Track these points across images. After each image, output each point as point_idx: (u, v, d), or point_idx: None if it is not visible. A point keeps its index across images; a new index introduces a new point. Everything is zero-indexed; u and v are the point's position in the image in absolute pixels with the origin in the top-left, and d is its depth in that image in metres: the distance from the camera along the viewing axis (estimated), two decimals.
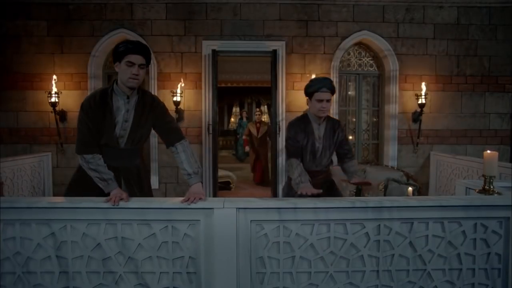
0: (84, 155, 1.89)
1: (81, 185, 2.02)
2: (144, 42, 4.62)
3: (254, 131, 6.55)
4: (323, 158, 2.41)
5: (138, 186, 2.13)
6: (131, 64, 1.84)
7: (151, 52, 1.97)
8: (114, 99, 1.94)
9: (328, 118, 2.43)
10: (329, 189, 2.49)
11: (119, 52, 1.86)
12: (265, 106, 11.91)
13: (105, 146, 1.95)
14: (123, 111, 1.94)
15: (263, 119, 7.16)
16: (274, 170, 4.71)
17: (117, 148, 1.98)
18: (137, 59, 1.85)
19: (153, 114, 2.01)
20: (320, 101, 2.24)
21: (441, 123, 4.89)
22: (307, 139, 2.36)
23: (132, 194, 1.96)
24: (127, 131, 1.97)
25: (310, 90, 2.27)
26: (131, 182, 2.08)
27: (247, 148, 6.95)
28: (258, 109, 7.05)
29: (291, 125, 2.39)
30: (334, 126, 2.43)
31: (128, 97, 1.95)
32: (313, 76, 4.65)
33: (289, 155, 2.35)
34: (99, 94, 1.93)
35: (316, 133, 2.37)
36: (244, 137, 7.05)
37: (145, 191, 2.19)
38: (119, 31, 4.65)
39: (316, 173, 2.42)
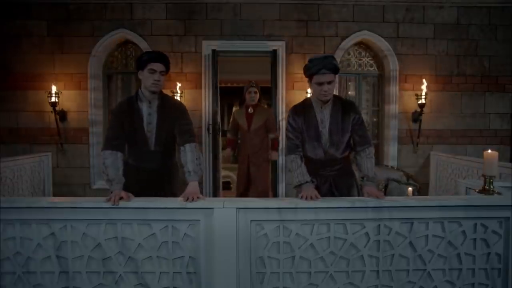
0: (106, 150, 2.04)
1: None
2: (144, 42, 4.64)
3: (243, 121, 3.79)
4: (332, 145, 2.17)
5: (168, 188, 2.31)
6: (153, 71, 2.08)
7: (169, 61, 2.21)
8: (140, 104, 2.17)
9: (337, 100, 2.19)
10: (348, 194, 2.21)
11: (142, 61, 2.09)
12: (265, 106, 11.77)
13: (139, 150, 2.19)
14: (146, 114, 2.17)
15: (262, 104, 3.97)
16: (274, 169, 4.70)
17: (148, 150, 2.20)
18: (158, 66, 2.09)
19: (173, 115, 2.20)
20: (321, 84, 2.03)
21: (441, 123, 4.89)
22: (308, 123, 2.17)
23: (158, 195, 2.11)
24: (153, 133, 2.18)
25: (309, 73, 2.06)
26: (161, 184, 2.26)
27: (227, 153, 3.98)
28: (254, 83, 3.85)
29: (291, 110, 2.23)
30: (344, 108, 2.16)
31: (150, 102, 2.17)
32: None
33: (288, 149, 2.19)
34: (126, 100, 2.21)
35: (318, 117, 2.16)
36: (228, 135, 4.01)
37: (173, 191, 2.35)
38: (119, 31, 4.65)
39: (326, 163, 2.21)
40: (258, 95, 3.81)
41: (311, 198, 1.87)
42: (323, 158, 2.21)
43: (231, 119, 4.05)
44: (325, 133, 2.16)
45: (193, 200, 1.78)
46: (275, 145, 3.82)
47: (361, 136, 2.16)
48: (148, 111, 2.17)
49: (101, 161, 2.04)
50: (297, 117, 2.18)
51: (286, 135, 2.22)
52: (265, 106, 4.23)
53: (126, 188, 1.93)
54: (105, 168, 2.00)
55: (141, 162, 2.22)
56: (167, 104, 2.21)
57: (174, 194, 2.33)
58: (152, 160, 2.23)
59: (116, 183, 1.92)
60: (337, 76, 2.12)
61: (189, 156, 2.06)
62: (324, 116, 2.16)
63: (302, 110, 2.20)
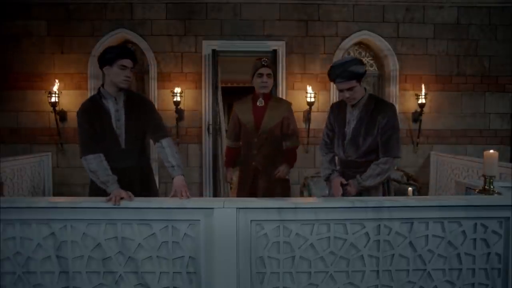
0: (86, 156, 1.97)
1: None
2: (144, 42, 4.65)
3: (248, 119, 2.59)
4: (351, 146, 2.12)
5: (146, 186, 2.24)
6: (124, 67, 2.01)
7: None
8: (105, 101, 2.08)
9: (372, 100, 2.11)
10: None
11: (111, 57, 2.00)
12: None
13: (110, 149, 2.06)
14: (114, 111, 2.08)
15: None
16: None
17: (120, 149, 2.09)
18: (128, 62, 2.03)
19: (142, 111, 2.15)
20: (340, 90, 2.05)
21: (441, 123, 4.89)
22: (338, 121, 2.19)
23: (138, 195, 1.97)
24: (122, 130, 2.09)
25: (329, 79, 2.09)
26: (138, 183, 2.16)
27: (229, 175, 2.81)
28: (266, 61, 2.53)
29: (330, 107, 2.34)
30: (375, 110, 2.06)
31: (116, 98, 2.09)
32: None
33: (320, 144, 2.32)
34: (88, 100, 2.12)
35: (347, 117, 2.15)
36: (227, 143, 2.82)
37: (154, 190, 2.31)
38: (119, 31, 4.65)
39: (348, 163, 2.18)
40: (272, 80, 2.56)
41: (337, 188, 2.06)
42: (344, 158, 2.20)
43: (231, 116, 2.76)
44: (349, 134, 2.14)
45: (185, 194, 1.84)
46: (290, 157, 2.60)
47: (384, 144, 2.04)
48: (115, 108, 2.08)
49: (86, 168, 1.97)
50: (331, 114, 2.26)
51: (323, 130, 2.35)
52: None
53: (104, 192, 1.88)
54: (93, 173, 1.94)
55: (114, 162, 2.05)
56: (133, 100, 2.14)
57: (156, 192, 2.34)
58: (125, 159, 2.12)
59: (111, 183, 1.89)
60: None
61: (169, 151, 2.07)
62: (352, 116, 2.14)
63: (337, 107, 2.24)
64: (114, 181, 1.91)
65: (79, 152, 2.02)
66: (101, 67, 2.05)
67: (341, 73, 1.98)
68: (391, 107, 2.12)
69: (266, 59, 2.54)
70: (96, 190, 2.00)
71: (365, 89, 2.15)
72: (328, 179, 2.20)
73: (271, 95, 2.63)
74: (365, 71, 2.08)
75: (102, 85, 2.10)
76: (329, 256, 1.74)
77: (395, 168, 4.61)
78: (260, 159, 2.56)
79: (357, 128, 2.10)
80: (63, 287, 1.72)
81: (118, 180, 1.93)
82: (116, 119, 2.08)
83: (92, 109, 2.04)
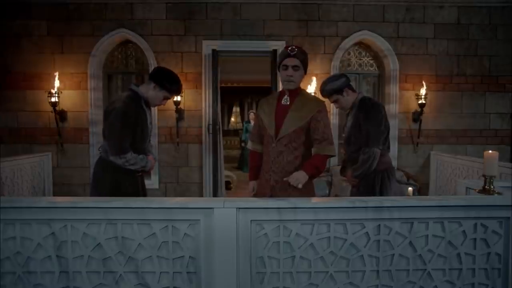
0: (126, 154, 2.12)
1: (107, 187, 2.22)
2: (144, 42, 4.65)
3: (268, 120, 2.13)
4: (346, 144, 2.52)
5: (144, 186, 2.46)
6: (168, 98, 2.28)
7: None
8: (143, 105, 2.24)
9: (360, 103, 2.41)
10: (367, 187, 2.43)
11: (170, 88, 2.20)
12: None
13: (142, 149, 2.25)
14: (148, 114, 2.27)
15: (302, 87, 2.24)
16: None
17: (144, 149, 2.29)
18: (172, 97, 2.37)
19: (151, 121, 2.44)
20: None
21: (441, 123, 4.89)
22: (345, 124, 2.58)
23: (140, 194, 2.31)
24: (150, 133, 2.33)
25: None
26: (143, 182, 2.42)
27: (251, 187, 2.32)
28: (295, 49, 2.05)
29: None
30: (360, 110, 2.39)
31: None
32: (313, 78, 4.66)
33: None
34: (130, 100, 2.15)
35: (348, 119, 2.52)
36: (249, 145, 2.34)
37: (145, 191, 2.47)
38: (119, 31, 4.65)
39: (349, 160, 2.55)
40: (302, 73, 2.10)
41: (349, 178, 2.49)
42: (347, 154, 2.53)
43: (255, 115, 2.43)
44: (347, 134, 2.50)
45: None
46: (311, 164, 2.02)
47: (363, 137, 2.36)
48: (148, 112, 2.29)
49: (124, 164, 2.13)
50: (346, 118, 2.61)
51: None
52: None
53: (128, 194, 2.11)
54: (133, 165, 2.14)
55: None
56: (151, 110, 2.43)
57: (145, 193, 2.51)
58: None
59: (147, 161, 2.23)
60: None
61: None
62: (348, 117, 2.50)
63: (348, 112, 2.57)
64: (146, 159, 2.22)
65: (115, 151, 2.11)
66: (151, 80, 2.19)
67: (322, 91, 2.46)
68: (373, 104, 2.37)
69: (295, 47, 2.05)
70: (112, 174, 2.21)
71: (359, 93, 2.45)
72: (343, 173, 2.62)
73: (300, 92, 2.15)
74: (344, 82, 2.38)
75: (137, 86, 2.25)
76: (329, 256, 1.74)
77: (396, 168, 4.60)
78: (276, 171, 2.07)
79: (348, 128, 2.45)
80: (63, 287, 1.72)
81: (131, 182, 2.23)
82: (149, 122, 2.29)
83: (137, 109, 2.16)
